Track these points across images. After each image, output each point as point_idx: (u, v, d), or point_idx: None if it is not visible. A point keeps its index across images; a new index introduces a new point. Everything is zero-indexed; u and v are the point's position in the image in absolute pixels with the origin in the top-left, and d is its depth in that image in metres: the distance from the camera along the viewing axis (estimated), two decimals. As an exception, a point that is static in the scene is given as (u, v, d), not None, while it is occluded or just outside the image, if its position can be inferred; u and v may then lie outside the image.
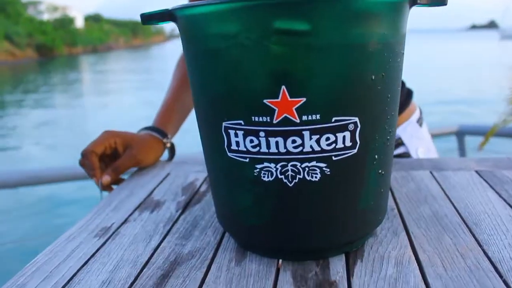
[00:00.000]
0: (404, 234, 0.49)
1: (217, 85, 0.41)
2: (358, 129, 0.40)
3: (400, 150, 0.83)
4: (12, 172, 1.58)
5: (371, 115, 0.41)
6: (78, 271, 0.46)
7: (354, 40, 0.38)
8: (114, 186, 0.74)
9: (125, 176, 0.76)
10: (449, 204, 0.56)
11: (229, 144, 0.42)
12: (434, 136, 1.55)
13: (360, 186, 0.43)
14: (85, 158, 0.70)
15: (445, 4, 0.43)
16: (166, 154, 0.83)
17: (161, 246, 0.50)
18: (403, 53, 0.43)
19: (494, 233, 0.48)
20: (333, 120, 0.39)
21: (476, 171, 0.67)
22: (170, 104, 0.85)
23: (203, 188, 0.67)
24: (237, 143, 0.41)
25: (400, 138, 0.82)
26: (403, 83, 0.89)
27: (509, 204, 0.55)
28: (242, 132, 0.40)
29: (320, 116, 0.38)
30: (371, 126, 0.41)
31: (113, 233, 0.54)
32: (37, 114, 8.79)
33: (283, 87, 0.38)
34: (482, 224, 0.50)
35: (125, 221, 0.58)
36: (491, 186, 0.61)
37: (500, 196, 0.58)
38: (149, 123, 0.83)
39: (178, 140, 0.86)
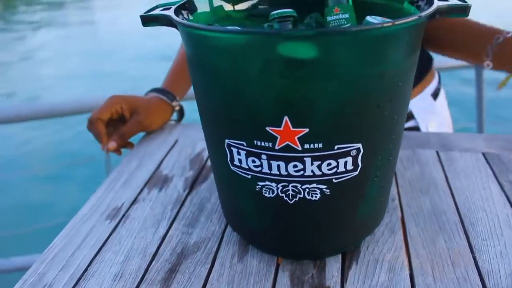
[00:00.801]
0: (400, 234, 0.51)
1: (220, 103, 0.40)
2: (361, 153, 0.40)
3: (409, 124, 0.81)
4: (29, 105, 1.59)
5: (375, 139, 0.40)
6: (92, 261, 0.50)
7: (364, 70, 0.36)
8: (123, 149, 0.76)
9: (134, 139, 0.77)
10: (450, 198, 0.57)
11: (232, 159, 0.42)
12: (454, 68, 1.50)
13: (360, 199, 0.44)
14: (91, 125, 0.71)
15: (467, 14, 0.40)
16: (174, 115, 0.83)
17: (168, 234, 0.53)
18: (415, 69, 0.41)
19: (489, 238, 0.50)
20: (335, 148, 0.39)
21: (483, 154, 0.67)
22: (178, 72, 0.83)
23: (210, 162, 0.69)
24: (240, 161, 0.42)
25: (411, 111, 0.80)
26: (423, 49, 0.84)
27: (509, 201, 0.56)
28: (245, 152, 0.41)
29: (322, 145, 0.38)
30: (374, 149, 0.41)
31: (123, 215, 0.57)
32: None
33: (286, 117, 0.37)
34: (478, 225, 0.52)
35: (135, 200, 0.60)
36: (495, 175, 0.61)
37: (502, 189, 0.58)
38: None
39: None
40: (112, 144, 0.72)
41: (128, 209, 0.59)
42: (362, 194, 0.44)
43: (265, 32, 0.35)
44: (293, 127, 0.37)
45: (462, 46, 0.76)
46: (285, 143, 0.38)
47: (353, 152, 0.39)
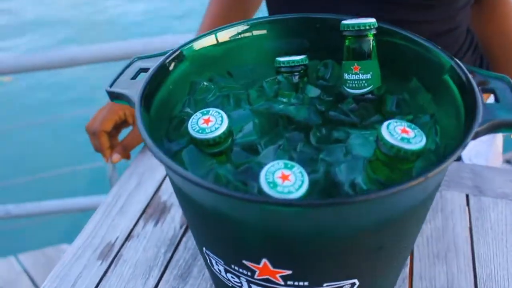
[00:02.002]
0: (403, 321, 0.47)
1: (195, 220, 0.35)
2: (356, 286, 0.34)
3: None
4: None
5: (375, 274, 0.34)
6: (77, 318, 0.49)
7: (366, 221, 0.29)
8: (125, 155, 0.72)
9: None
10: (470, 271, 0.51)
11: (211, 265, 0.38)
12: None
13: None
14: (94, 137, 0.67)
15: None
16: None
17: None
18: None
19: None
20: (324, 285, 0.33)
21: (521, 204, 0.58)
22: None
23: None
24: (219, 271, 0.37)
25: None
26: (482, 60, 0.71)
27: (539, 284, 0.49)
28: (223, 268, 0.36)
29: (308, 283, 0.32)
30: (374, 282, 0.34)
31: (116, 255, 0.55)
32: None
33: (264, 259, 0.31)
34: (495, 318, 0.46)
35: (129, 236, 0.58)
36: (529, 240, 0.54)
37: (534, 263, 0.51)
38: None
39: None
40: (116, 157, 0.68)
41: (121, 246, 0.56)
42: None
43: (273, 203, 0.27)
44: (273, 268, 0.32)
45: None
46: (265, 276, 0.33)
47: (347, 287, 0.34)
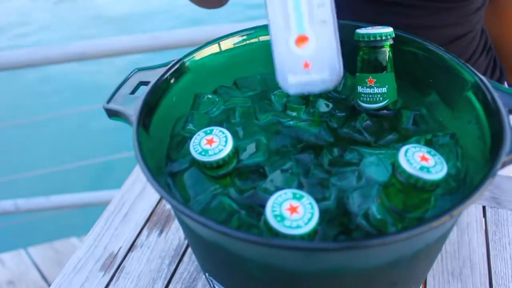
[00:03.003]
0: None
1: (197, 248, 0.33)
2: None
3: None
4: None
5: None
6: (78, 333, 0.47)
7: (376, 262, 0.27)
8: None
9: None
10: (486, 291, 0.48)
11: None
12: None
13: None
14: None
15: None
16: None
17: (161, 304, 0.50)
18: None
19: None
20: (334, 320, 0.31)
21: (542, 218, 0.55)
22: None
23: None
24: (223, 297, 0.35)
25: None
26: (495, 62, 0.68)
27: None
28: (227, 295, 0.34)
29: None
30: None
31: (118, 267, 0.54)
32: None
33: (271, 295, 0.29)
34: None
35: (132, 245, 0.56)
36: (550, 258, 0.51)
37: (555, 283, 0.48)
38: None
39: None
40: None
41: (124, 257, 0.55)
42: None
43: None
44: (280, 302, 0.30)
45: None
46: (271, 310, 0.31)
47: (358, 321, 0.31)
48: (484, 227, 0.55)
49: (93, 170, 2.04)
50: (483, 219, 0.56)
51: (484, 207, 0.57)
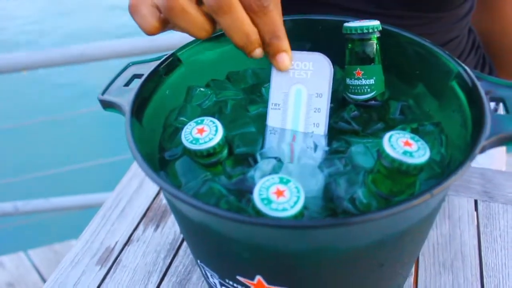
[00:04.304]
0: (407, 333, 0.45)
1: (188, 233, 0.33)
2: (356, 303, 0.33)
3: None
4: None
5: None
6: (75, 325, 0.48)
7: (363, 242, 0.27)
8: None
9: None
10: (477, 282, 0.49)
11: (207, 277, 0.37)
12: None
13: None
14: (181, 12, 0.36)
15: None
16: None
17: (156, 296, 0.50)
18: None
19: None
20: (323, 303, 0.31)
21: (533, 211, 0.56)
22: None
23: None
24: (214, 284, 0.36)
25: None
26: (484, 59, 0.69)
27: (549, 296, 0.47)
28: (218, 281, 0.34)
29: (306, 301, 0.31)
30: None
31: (115, 260, 0.54)
32: None
33: (258, 276, 0.30)
34: (503, 332, 0.44)
35: (128, 240, 0.57)
36: (540, 249, 0.52)
37: (544, 274, 0.49)
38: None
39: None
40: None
41: (121, 251, 0.56)
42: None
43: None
44: (268, 284, 0.30)
45: None
46: (261, 293, 0.32)
47: (346, 304, 0.32)
48: (476, 221, 0.56)
49: (93, 172, 2.04)
50: (475, 212, 0.57)
51: (476, 201, 0.58)
